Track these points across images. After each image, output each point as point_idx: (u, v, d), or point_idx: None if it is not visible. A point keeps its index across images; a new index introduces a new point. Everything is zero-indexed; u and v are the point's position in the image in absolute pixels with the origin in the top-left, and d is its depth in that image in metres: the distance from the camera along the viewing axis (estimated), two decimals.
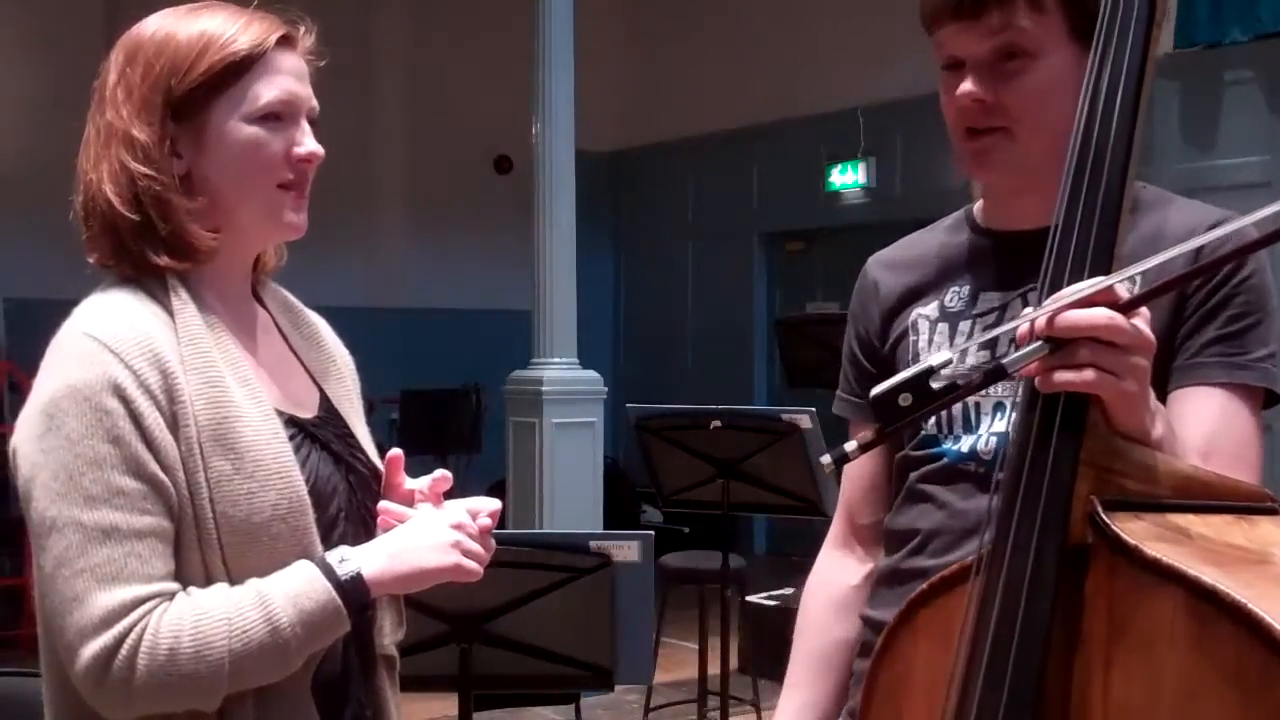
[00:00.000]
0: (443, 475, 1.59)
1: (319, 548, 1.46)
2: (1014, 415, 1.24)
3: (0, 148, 7.92)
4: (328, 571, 1.42)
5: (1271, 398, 1.46)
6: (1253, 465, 1.41)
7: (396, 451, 1.62)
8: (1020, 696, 1.15)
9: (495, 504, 1.55)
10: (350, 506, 1.56)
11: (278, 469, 1.44)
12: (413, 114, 9.35)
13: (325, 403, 1.62)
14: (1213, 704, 1.06)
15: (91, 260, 1.52)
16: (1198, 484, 1.19)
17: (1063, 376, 1.16)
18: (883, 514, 1.66)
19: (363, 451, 1.62)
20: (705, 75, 9.31)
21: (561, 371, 6.10)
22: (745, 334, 9.32)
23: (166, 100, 1.48)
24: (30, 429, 1.41)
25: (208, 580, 1.41)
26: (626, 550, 2.57)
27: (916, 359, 1.56)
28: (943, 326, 1.58)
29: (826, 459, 1.24)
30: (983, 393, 1.42)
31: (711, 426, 4.27)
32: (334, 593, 1.41)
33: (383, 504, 1.57)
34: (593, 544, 2.58)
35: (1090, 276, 1.19)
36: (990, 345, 1.50)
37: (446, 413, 8.42)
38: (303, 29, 1.55)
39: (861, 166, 8.47)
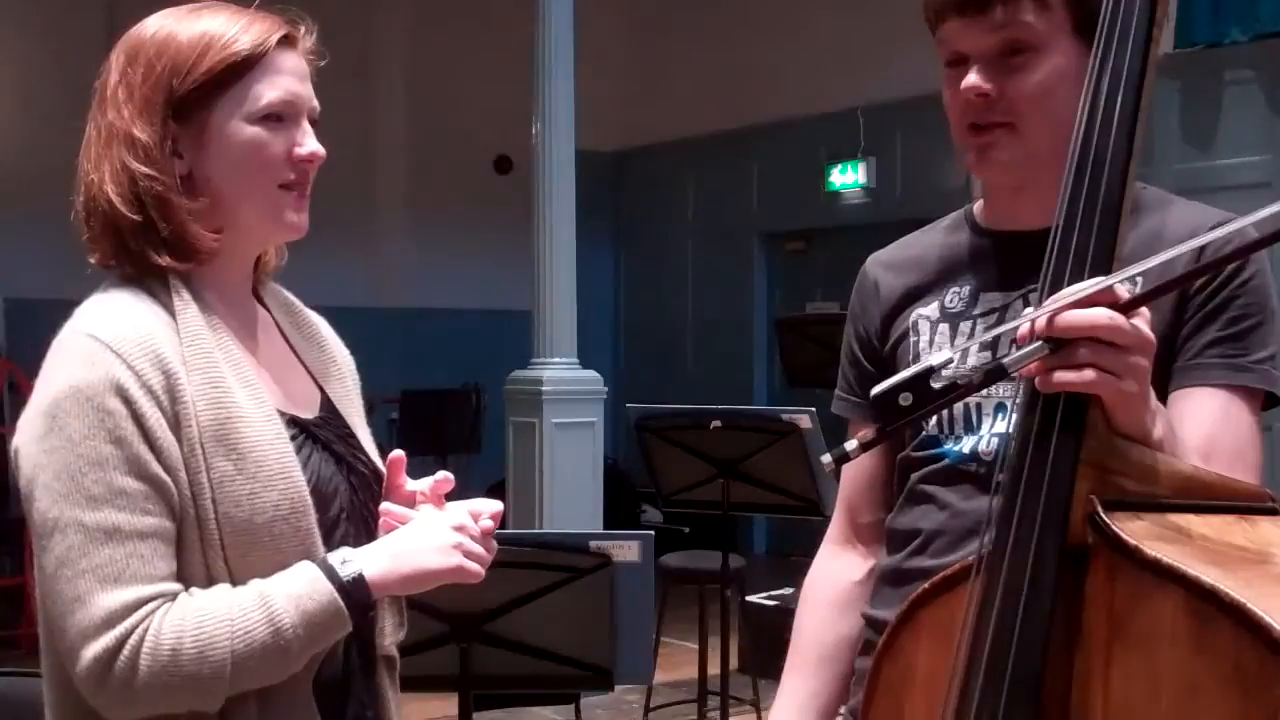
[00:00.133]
0: (444, 477, 1.59)
1: (321, 548, 1.46)
2: (1014, 415, 1.24)
3: (1, 147, 7.92)
4: (330, 573, 1.43)
5: (1272, 399, 1.46)
6: (1253, 466, 1.42)
7: (398, 453, 1.62)
8: (1020, 694, 1.16)
9: (497, 506, 1.55)
10: (352, 507, 1.56)
11: (280, 469, 1.44)
12: (413, 114, 9.35)
13: (326, 403, 1.62)
14: (1212, 703, 1.06)
15: (93, 260, 1.52)
16: (1198, 484, 1.19)
17: (1062, 377, 1.16)
18: (883, 512, 1.67)
19: (364, 452, 1.62)
20: (705, 75, 9.31)
21: (561, 371, 6.10)
22: (745, 334, 9.32)
23: (168, 100, 1.48)
24: (32, 429, 1.41)
25: (210, 581, 1.41)
26: (626, 550, 2.57)
27: (917, 359, 1.56)
28: (943, 327, 1.58)
29: (827, 458, 1.25)
30: (984, 393, 1.42)
31: (711, 426, 4.27)
32: (336, 594, 1.41)
33: (385, 505, 1.57)
34: (593, 544, 2.58)
35: (1090, 276, 1.19)
36: (991, 345, 1.50)
37: (446, 413, 8.42)
38: (304, 29, 1.55)
39: (861, 166, 8.47)
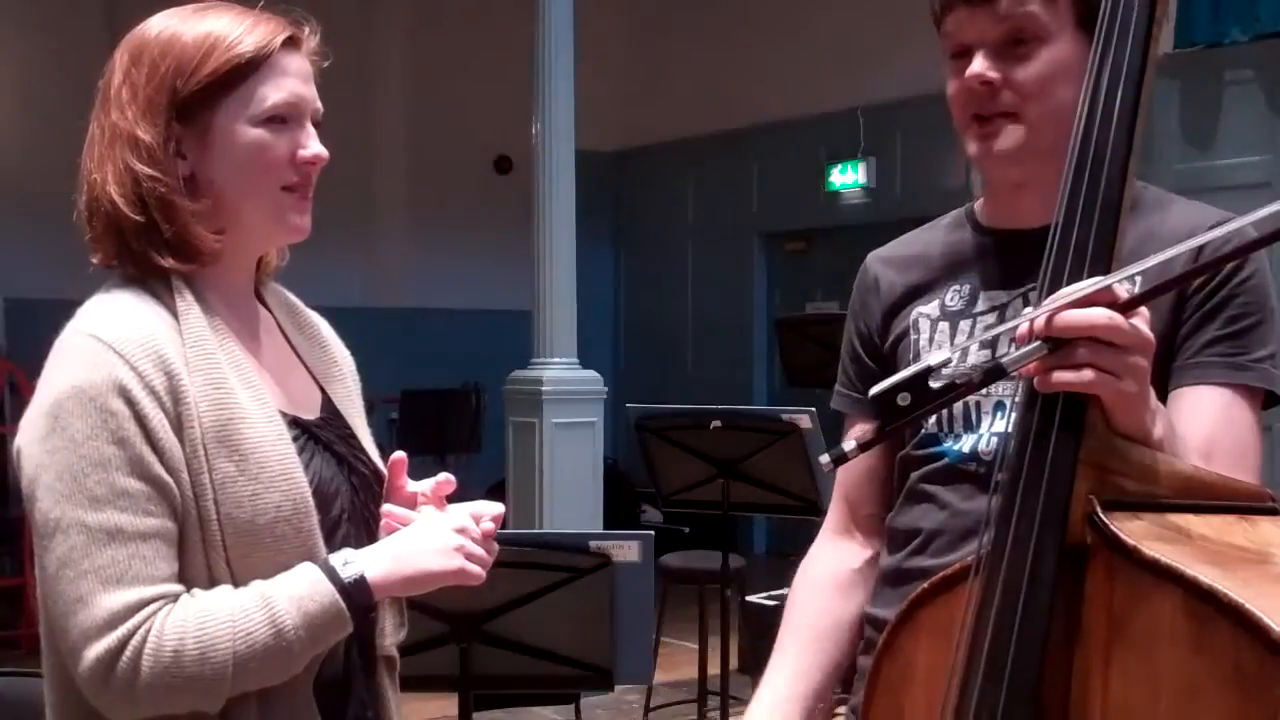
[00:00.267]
0: (446, 479, 1.59)
1: (322, 549, 1.47)
2: (1013, 414, 1.24)
3: (1, 147, 7.92)
4: (331, 574, 1.43)
5: (1271, 398, 1.46)
6: (1253, 465, 1.42)
7: (400, 455, 1.62)
8: (1019, 693, 1.16)
9: (499, 509, 1.55)
10: (353, 508, 1.56)
11: (282, 470, 1.44)
12: (413, 114, 9.34)
13: (327, 403, 1.62)
14: (1211, 703, 1.06)
15: (95, 261, 1.52)
16: (1198, 484, 1.20)
17: (1061, 376, 1.17)
18: (881, 506, 1.67)
19: (365, 453, 1.62)
20: (705, 75, 9.31)
21: (561, 371, 6.10)
22: (745, 334, 9.31)
23: (171, 101, 1.47)
24: (34, 430, 1.41)
25: (211, 582, 1.42)
26: (626, 550, 2.57)
27: (917, 358, 1.56)
28: (943, 325, 1.58)
29: (826, 458, 1.25)
30: (983, 392, 1.42)
31: (711, 426, 4.27)
32: (338, 596, 1.41)
33: (386, 507, 1.57)
34: (593, 544, 2.58)
35: (1090, 272, 1.20)
36: (991, 345, 1.50)
37: (446, 413, 8.42)
38: (308, 30, 1.55)
39: (861, 166, 8.47)
